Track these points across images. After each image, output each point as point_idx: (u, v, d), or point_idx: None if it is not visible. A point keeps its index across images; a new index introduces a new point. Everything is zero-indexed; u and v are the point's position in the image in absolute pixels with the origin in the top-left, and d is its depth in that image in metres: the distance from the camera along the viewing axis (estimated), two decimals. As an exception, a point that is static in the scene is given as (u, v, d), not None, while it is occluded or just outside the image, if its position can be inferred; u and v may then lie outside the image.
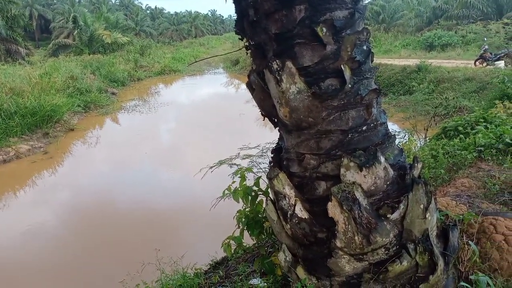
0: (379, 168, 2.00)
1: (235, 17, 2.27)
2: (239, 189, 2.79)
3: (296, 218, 2.12)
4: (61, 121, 13.09)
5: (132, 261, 5.58)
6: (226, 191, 2.91)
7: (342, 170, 1.99)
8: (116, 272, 5.71)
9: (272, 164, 2.46)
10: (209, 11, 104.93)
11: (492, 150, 4.15)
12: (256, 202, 2.73)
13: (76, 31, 31.56)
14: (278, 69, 1.97)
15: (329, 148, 2.05)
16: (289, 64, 1.95)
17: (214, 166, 6.02)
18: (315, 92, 1.97)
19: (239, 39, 2.39)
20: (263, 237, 2.78)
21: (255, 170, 3.10)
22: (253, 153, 6.04)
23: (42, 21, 56.14)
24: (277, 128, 2.40)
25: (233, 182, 4.12)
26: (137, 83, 24.99)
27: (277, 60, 1.97)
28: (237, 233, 2.93)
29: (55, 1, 61.21)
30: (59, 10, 51.59)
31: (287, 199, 2.16)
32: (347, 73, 1.97)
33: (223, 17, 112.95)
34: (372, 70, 2.12)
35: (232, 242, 2.98)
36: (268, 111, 2.27)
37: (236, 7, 2.21)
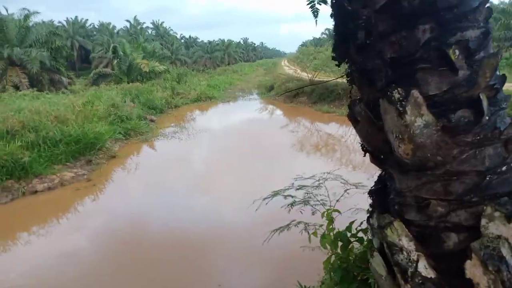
0: (529, 219, 1.62)
1: (334, 42, 1.99)
2: (327, 233, 2.45)
3: (419, 277, 1.76)
4: (103, 149, 13.23)
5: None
6: (314, 234, 2.57)
7: (484, 221, 1.63)
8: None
9: (372, 209, 2.12)
10: (241, 39, 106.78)
11: None
12: (348, 249, 2.37)
13: (115, 61, 32.63)
14: (401, 98, 1.66)
15: (462, 193, 1.70)
16: (415, 93, 1.64)
17: (268, 197, 5.74)
18: (446, 126, 1.64)
19: (336, 65, 2.10)
20: (357, 290, 2.40)
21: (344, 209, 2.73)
22: (307, 183, 5.74)
23: (82, 51, 58.74)
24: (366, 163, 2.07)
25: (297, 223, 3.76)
26: (175, 110, 25.32)
27: (399, 89, 1.66)
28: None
29: (94, 33, 64.08)
30: (99, 41, 53.79)
31: (405, 253, 1.81)
32: (485, 103, 1.63)
33: (255, 44, 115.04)
34: (507, 99, 1.77)
35: None
36: (376, 147, 1.94)
37: (337, 30, 1.93)
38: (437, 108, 1.67)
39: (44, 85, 23.73)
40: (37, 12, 27.08)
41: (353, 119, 1.99)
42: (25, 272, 6.56)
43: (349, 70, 2.00)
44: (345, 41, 1.90)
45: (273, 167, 12.12)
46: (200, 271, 6.41)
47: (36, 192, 10.14)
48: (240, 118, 23.02)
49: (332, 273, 2.37)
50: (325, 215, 2.53)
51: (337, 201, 5.18)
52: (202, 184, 10.75)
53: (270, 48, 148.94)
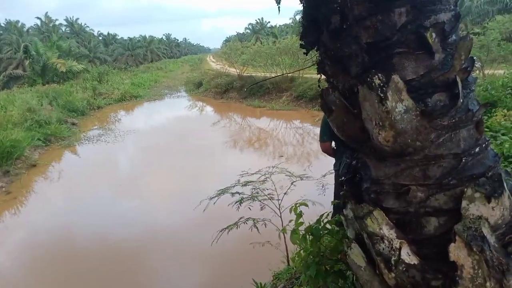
0: (505, 197, 1.67)
1: (303, 28, 1.90)
2: (296, 228, 2.37)
3: (403, 265, 1.74)
4: (22, 157, 12.07)
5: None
6: (283, 231, 2.47)
7: (465, 203, 1.64)
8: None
9: (345, 199, 2.08)
10: (163, 35, 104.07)
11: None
12: (319, 242, 2.31)
13: (27, 61, 30.07)
14: (381, 84, 1.61)
15: (440, 176, 1.70)
16: (395, 78, 1.60)
17: (215, 196, 5.57)
18: (424, 110, 1.63)
19: (304, 53, 2.02)
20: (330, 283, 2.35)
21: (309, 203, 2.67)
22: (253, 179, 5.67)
23: (-13, 52, 53.32)
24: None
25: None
26: (98, 111, 23.90)
27: (379, 74, 1.62)
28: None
29: (1, 32, 58.54)
30: (6, 41, 49.15)
31: (386, 241, 1.78)
32: (460, 86, 1.64)
33: (178, 40, 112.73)
34: (475, 81, 1.81)
35: None
36: (352, 135, 1.89)
37: (308, 16, 1.85)
38: (414, 93, 1.65)
39: None
40: None
41: (327, 109, 1.91)
42: None
43: (319, 58, 1.92)
44: (316, 27, 1.82)
45: (206, 165, 11.91)
46: (139, 281, 6.05)
47: None
48: (169, 117, 22.37)
49: (304, 269, 2.30)
50: (292, 209, 2.45)
51: (285, 194, 5.19)
52: (133, 188, 10.19)
53: (194, 44, 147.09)
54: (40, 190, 10.69)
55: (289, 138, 15.82)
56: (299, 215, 2.41)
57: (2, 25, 58.72)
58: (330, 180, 4.96)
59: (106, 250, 6.95)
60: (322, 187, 5.19)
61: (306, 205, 2.52)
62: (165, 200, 9.16)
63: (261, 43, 27.59)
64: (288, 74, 22.76)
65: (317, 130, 16.15)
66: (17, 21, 58.23)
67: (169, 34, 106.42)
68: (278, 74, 20.35)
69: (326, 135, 3.91)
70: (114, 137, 16.42)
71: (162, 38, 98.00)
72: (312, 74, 22.89)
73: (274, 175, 5.39)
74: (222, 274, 5.95)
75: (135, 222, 8.06)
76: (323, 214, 2.41)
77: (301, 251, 2.35)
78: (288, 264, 4.86)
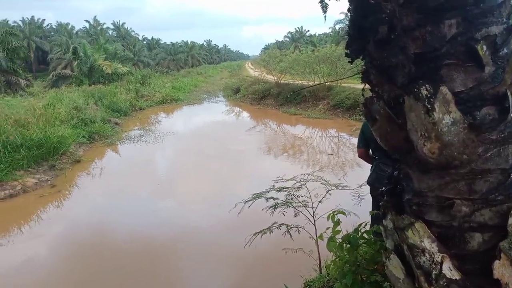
0: (555, 216, 1.61)
1: (349, 37, 1.92)
2: (333, 236, 2.38)
3: (444, 280, 1.71)
4: (67, 153, 12.63)
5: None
6: (320, 238, 2.48)
7: (511, 220, 1.60)
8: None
9: (385, 210, 2.06)
10: (204, 41, 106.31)
11: None
12: (356, 252, 2.30)
13: (76, 62, 31.49)
14: (429, 95, 1.61)
15: (486, 191, 1.67)
16: (444, 89, 1.59)
17: (249, 200, 5.63)
18: (472, 124, 1.60)
19: (349, 62, 2.04)
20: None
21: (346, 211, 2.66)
22: (288, 185, 5.68)
23: (39, 52, 56.42)
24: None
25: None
26: (139, 113, 24.69)
27: (427, 85, 1.61)
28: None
29: (52, 33, 61.73)
30: (57, 42, 51.91)
31: (427, 255, 1.76)
32: (510, 100, 1.61)
33: (218, 46, 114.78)
34: (525, 95, 1.76)
35: None
36: (395, 145, 1.88)
37: (354, 25, 1.86)
38: (463, 105, 1.63)
39: (0, 87, 22.48)
40: (-10, 10, 25.66)
41: (370, 118, 1.92)
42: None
43: (364, 67, 1.93)
44: (362, 36, 1.83)
45: (240, 170, 12.03)
46: (169, 281, 6.16)
47: (-4, 200, 9.52)
48: (206, 120, 22.79)
49: (340, 277, 2.29)
50: (330, 217, 2.45)
51: (320, 202, 5.17)
52: (169, 188, 10.40)
53: (234, 51, 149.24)
54: (83, 185, 11.14)
55: (324, 146, 15.69)
56: (337, 223, 2.41)
57: (54, 27, 62.15)
58: (366, 190, 4.90)
59: (138, 247, 7.09)
60: (358, 197, 5.12)
61: (344, 214, 2.52)
62: (199, 202, 9.30)
63: (300, 51, 27.60)
64: (326, 83, 22.68)
65: (354, 140, 16.01)
66: (67, 24, 61.50)
67: (209, 40, 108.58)
68: (316, 83, 20.28)
69: (361, 143, 4.08)
70: (154, 138, 16.89)
71: (203, 44, 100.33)
72: (350, 84, 22.66)
73: (309, 183, 5.38)
74: (252, 278, 5.98)
75: (169, 222, 8.23)
76: (361, 224, 2.40)
77: (337, 259, 2.34)
78: (320, 273, 4.83)
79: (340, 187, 5.21)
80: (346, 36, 2.03)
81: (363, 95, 2.05)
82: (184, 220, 8.23)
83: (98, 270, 6.39)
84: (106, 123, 18.03)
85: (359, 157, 4.34)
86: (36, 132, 11.95)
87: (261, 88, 26.23)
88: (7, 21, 50.31)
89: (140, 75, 33.34)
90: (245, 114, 25.00)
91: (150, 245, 7.20)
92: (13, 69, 24.72)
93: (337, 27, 56.72)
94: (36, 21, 59.06)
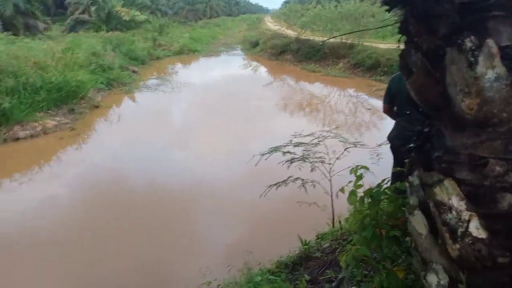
0: None
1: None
2: (355, 190, 2.38)
3: (470, 238, 1.70)
4: (85, 98, 12.76)
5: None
6: (341, 191, 2.49)
7: (546, 182, 1.57)
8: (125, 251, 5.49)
9: (412, 166, 2.04)
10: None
11: None
12: (376, 206, 2.31)
13: (93, 8, 30.99)
14: (473, 48, 1.53)
15: (523, 152, 1.62)
16: (490, 42, 1.51)
17: (267, 153, 5.65)
18: (516, 81, 1.53)
19: (387, 10, 1.94)
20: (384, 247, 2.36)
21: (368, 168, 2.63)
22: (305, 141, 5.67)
23: (57, -4, 55.44)
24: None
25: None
26: (157, 62, 24.54)
27: (472, 37, 1.53)
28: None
29: (70, -24, 60.28)
30: (75, -15, 50.80)
31: (454, 212, 1.74)
32: (560, 58, 1.52)
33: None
34: None
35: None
36: (431, 100, 1.82)
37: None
38: (508, 61, 1.55)
39: (18, 29, 22.35)
40: None
41: (406, 70, 1.85)
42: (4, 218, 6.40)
43: (403, 17, 1.84)
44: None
45: (255, 125, 11.98)
46: (186, 228, 6.31)
47: (18, 139, 9.75)
48: (223, 73, 22.54)
49: (359, 230, 2.32)
50: (353, 171, 2.44)
51: (337, 159, 5.17)
52: (185, 139, 10.44)
53: (253, 4, 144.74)
54: (101, 130, 11.34)
55: (341, 106, 15.47)
56: (359, 177, 2.40)
57: (72, -31, 60.62)
58: (384, 150, 4.87)
59: (154, 198, 7.17)
60: (377, 156, 5.10)
61: (367, 168, 2.51)
62: (215, 154, 9.35)
63: (322, 6, 26.60)
64: (347, 41, 22.04)
65: (373, 101, 15.56)
66: (86, -34, 59.77)
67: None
68: (342, 33, 19.63)
69: (387, 99, 4.03)
70: (171, 88, 16.88)
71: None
72: (373, 43, 21.99)
73: (327, 140, 5.36)
74: (266, 229, 6.11)
75: (185, 174, 8.26)
76: (384, 180, 2.39)
77: (357, 213, 2.36)
78: (333, 226, 4.90)
79: (359, 145, 5.18)
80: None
81: (398, 47, 1.97)
82: (200, 173, 8.26)
83: (114, 218, 6.49)
84: (123, 71, 18.03)
85: (384, 112, 4.30)
86: (56, 75, 12.01)
87: (280, 42, 25.61)
88: (25, -40, 49.27)
89: (158, 24, 32.83)
90: (262, 69, 24.63)
91: (166, 196, 7.27)
92: (31, 11, 24.48)
93: (362, -18, 54.27)
94: (54, -38, 57.69)
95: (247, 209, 6.57)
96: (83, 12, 37.14)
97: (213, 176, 8.07)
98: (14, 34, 18.33)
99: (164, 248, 5.68)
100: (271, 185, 5.15)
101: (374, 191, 2.27)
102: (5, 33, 17.61)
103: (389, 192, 2.39)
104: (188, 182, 7.84)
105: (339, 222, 4.61)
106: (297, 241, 4.51)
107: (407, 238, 2.17)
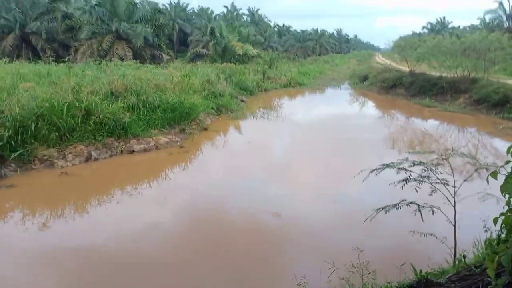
0: None
1: None
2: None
3: None
4: (196, 120, 13.46)
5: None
6: (492, 175, 1.94)
7: None
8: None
9: None
10: (334, 30, 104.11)
11: None
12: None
13: (211, 42, 33.47)
14: None
15: None
16: None
17: (377, 169, 5.03)
18: None
19: None
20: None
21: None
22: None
23: (181, 34, 61.47)
24: None
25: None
26: (264, 93, 25.30)
27: None
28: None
29: (194, 17, 66.66)
30: (197, 25, 55.88)
31: None
32: None
33: (348, 36, 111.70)
34: None
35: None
36: None
37: None
38: None
39: (146, 59, 25.09)
40: (144, -10, 28.61)
41: None
42: (112, 233, 6.57)
43: None
44: None
45: (358, 162, 10.88)
46: (276, 267, 5.75)
47: (133, 151, 10.52)
48: (329, 106, 22.25)
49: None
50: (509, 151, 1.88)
51: (465, 180, 4.38)
52: (284, 170, 9.92)
53: (364, 42, 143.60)
54: (206, 151, 11.74)
55: (459, 146, 13.57)
56: None
57: (196, 11, 67.07)
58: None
59: (251, 230, 6.75)
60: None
61: None
62: (313, 193, 8.56)
63: (443, 37, 24.87)
64: (470, 75, 20.20)
65: (498, 143, 13.37)
66: (208, 8, 65.78)
67: (340, 29, 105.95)
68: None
69: None
70: (276, 117, 17.02)
71: (332, 33, 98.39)
72: (500, 79, 19.75)
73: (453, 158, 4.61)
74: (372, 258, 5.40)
75: (281, 209, 7.49)
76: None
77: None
78: (454, 264, 4.06)
79: (490, 168, 4.33)
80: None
81: None
82: (296, 209, 7.54)
83: (213, 243, 6.23)
84: (233, 99, 18.79)
85: None
86: (172, 97, 12.91)
87: (392, 76, 24.53)
88: (157, 4, 55.79)
89: (268, 58, 34.16)
90: (370, 104, 23.72)
91: (262, 229, 6.80)
92: (158, 44, 27.36)
93: (487, 17, 50.22)
94: (181, 4, 64.50)
95: (346, 240, 5.84)
96: (202, 48, 40.51)
97: (308, 215, 7.23)
98: (141, 63, 20.45)
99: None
100: (378, 209, 4.53)
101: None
102: (134, 61, 19.70)
103: None
104: (284, 219, 7.07)
105: (463, 257, 3.77)
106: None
107: None
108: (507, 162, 1.95)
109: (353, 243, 5.69)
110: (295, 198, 8.15)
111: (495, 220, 2.16)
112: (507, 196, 1.91)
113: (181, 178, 9.53)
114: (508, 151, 1.89)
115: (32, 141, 9.46)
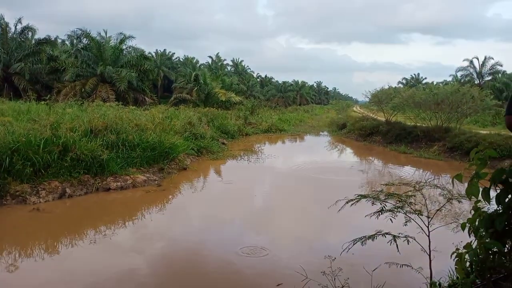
0: None
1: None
2: (476, 177, 1.90)
3: None
4: (176, 160, 13.41)
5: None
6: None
7: None
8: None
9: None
10: (315, 82, 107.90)
11: None
12: None
13: (195, 88, 34.14)
14: None
15: None
16: None
17: (354, 200, 5.13)
18: None
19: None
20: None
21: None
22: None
23: (166, 81, 62.62)
24: None
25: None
26: (245, 138, 25.55)
27: None
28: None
29: (179, 66, 68.18)
30: (182, 73, 57.07)
31: None
32: None
33: (327, 88, 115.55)
34: None
35: None
36: None
37: None
38: None
39: (128, 102, 25.28)
40: (132, 37, 29.40)
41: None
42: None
43: None
44: None
45: (336, 209, 10.67)
46: None
47: (109, 189, 10.31)
48: (308, 152, 22.49)
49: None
50: (472, 154, 1.99)
51: (438, 210, 4.49)
52: (261, 221, 9.33)
53: (343, 94, 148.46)
54: (184, 191, 11.59)
55: (435, 193, 13.67)
56: (484, 161, 1.93)
57: (181, 60, 68.82)
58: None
59: (229, 277, 6.30)
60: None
61: (495, 155, 2.04)
62: (290, 242, 7.96)
63: (417, 89, 26.12)
64: (443, 125, 21.04)
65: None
66: (193, 58, 67.69)
67: (320, 81, 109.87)
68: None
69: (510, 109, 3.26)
70: (256, 159, 17.13)
71: (313, 84, 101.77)
72: (472, 128, 20.61)
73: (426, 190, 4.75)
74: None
75: (257, 261, 6.82)
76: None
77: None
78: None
79: (462, 199, 4.46)
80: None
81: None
82: (274, 261, 6.90)
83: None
84: (214, 141, 18.92)
85: (507, 127, 3.52)
86: (152, 136, 12.92)
87: (369, 124, 25.30)
88: (144, 51, 57.09)
89: (250, 104, 34.84)
90: (348, 150, 24.15)
91: (238, 278, 6.27)
92: (142, 88, 27.72)
93: (459, 74, 53.03)
94: (167, 53, 66.21)
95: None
96: (186, 94, 41.21)
97: (288, 267, 6.85)
98: (123, 105, 20.57)
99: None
100: (355, 239, 4.57)
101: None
102: (116, 102, 19.82)
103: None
104: (262, 271, 6.47)
105: (439, 285, 3.78)
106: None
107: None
108: (471, 165, 2.06)
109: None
110: (273, 243, 7.68)
111: (463, 226, 2.24)
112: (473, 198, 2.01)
113: (157, 218, 9.11)
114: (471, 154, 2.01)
115: (6, 176, 9.24)
